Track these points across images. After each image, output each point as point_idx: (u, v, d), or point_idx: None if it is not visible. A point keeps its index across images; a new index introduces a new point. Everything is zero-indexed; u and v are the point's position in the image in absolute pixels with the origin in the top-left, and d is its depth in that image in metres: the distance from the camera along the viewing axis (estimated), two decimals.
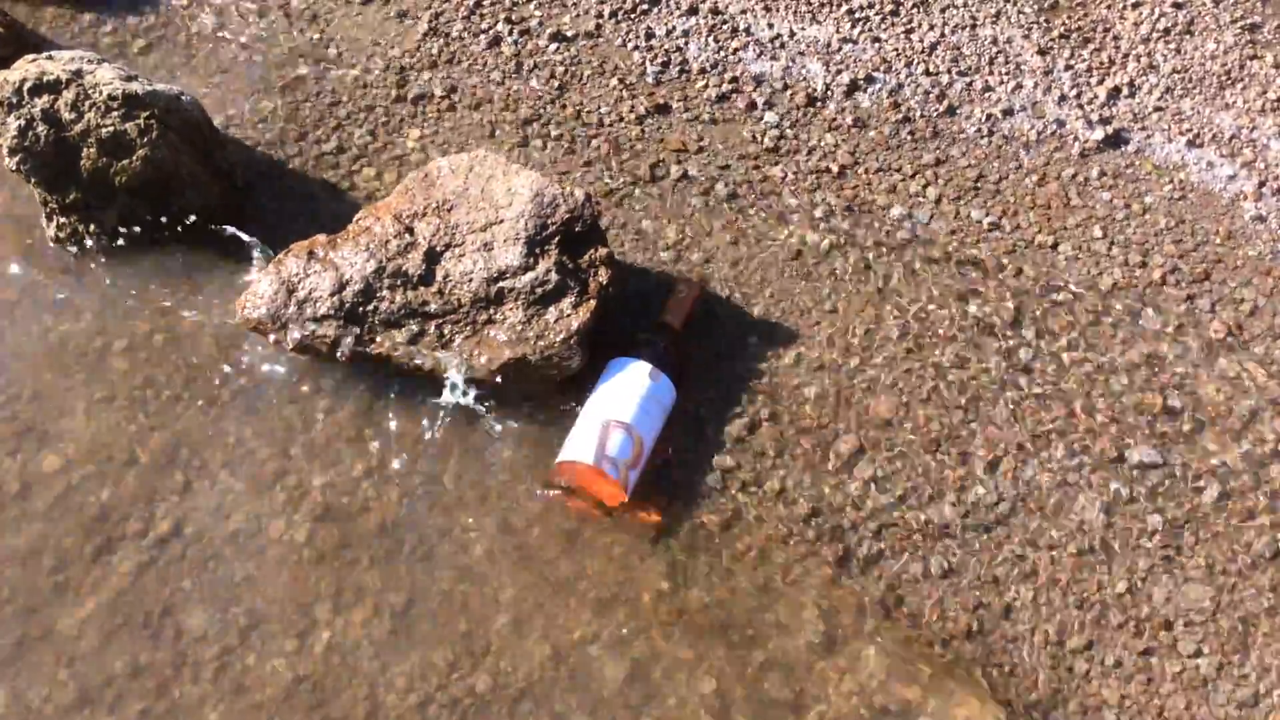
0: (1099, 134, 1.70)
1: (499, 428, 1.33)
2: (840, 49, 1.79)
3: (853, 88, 1.74)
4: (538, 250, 1.32)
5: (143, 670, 1.16)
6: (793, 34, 1.80)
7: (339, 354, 1.29)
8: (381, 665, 1.17)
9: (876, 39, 1.80)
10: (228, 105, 1.63)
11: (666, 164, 1.62)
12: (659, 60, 1.75)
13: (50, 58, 1.41)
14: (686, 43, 1.78)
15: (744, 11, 1.82)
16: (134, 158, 1.38)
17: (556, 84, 1.71)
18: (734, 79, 1.73)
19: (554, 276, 1.31)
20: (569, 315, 1.30)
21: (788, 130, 1.67)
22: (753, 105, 1.70)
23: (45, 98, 1.36)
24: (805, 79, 1.74)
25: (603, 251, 1.36)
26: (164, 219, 1.44)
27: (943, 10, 1.85)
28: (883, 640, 1.22)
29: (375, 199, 1.52)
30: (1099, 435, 1.38)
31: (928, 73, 1.76)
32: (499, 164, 1.38)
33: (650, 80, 1.73)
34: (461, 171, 1.38)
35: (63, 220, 1.43)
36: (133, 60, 1.68)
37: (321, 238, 1.35)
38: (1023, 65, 1.78)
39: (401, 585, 1.23)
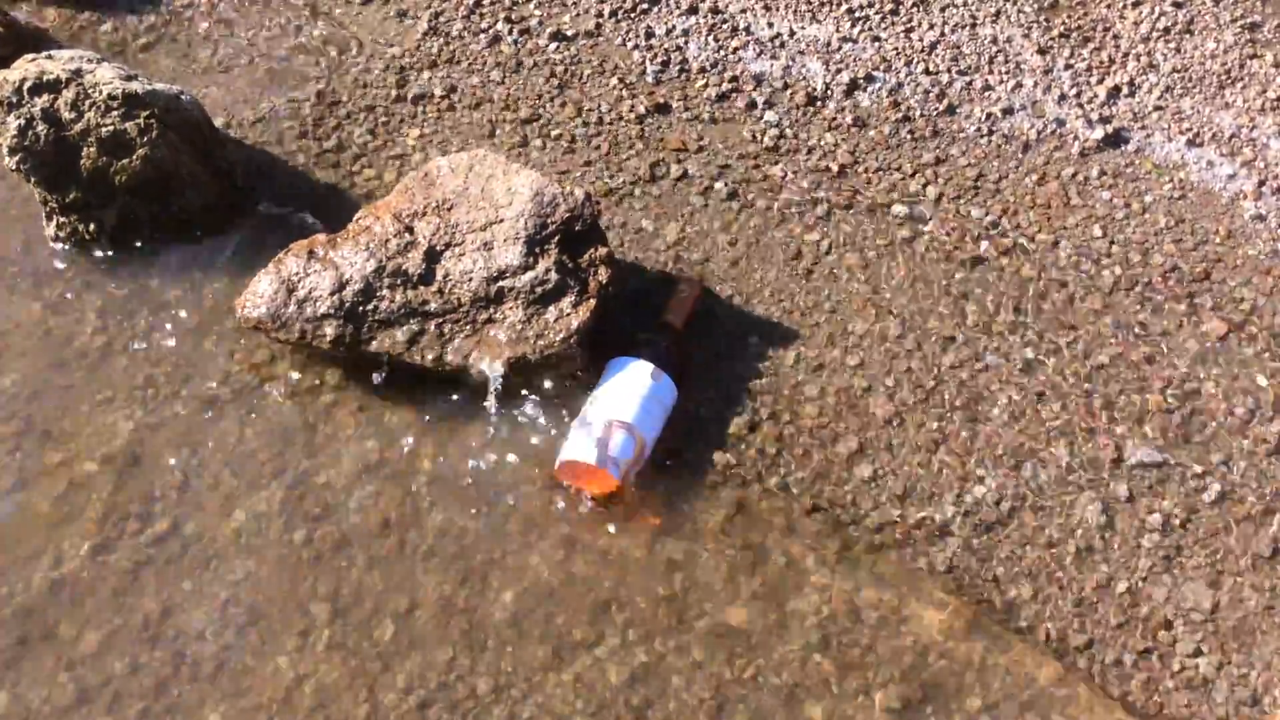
0: (1099, 133, 1.70)
1: (500, 428, 1.33)
2: (840, 48, 1.79)
3: (853, 87, 1.74)
4: (537, 249, 1.32)
5: (142, 670, 1.16)
6: (792, 33, 1.80)
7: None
8: (382, 665, 1.17)
9: (876, 38, 1.80)
10: (228, 105, 1.63)
11: (666, 163, 1.62)
12: (659, 59, 1.75)
13: (50, 57, 1.41)
14: (686, 42, 1.78)
15: (744, 11, 1.82)
16: (134, 157, 1.38)
17: (556, 83, 1.71)
18: (734, 78, 1.73)
19: (554, 276, 1.31)
20: (569, 314, 1.30)
21: (788, 129, 1.67)
22: (752, 104, 1.70)
23: (45, 97, 1.36)
24: (805, 78, 1.74)
25: (603, 251, 1.36)
26: (164, 218, 1.44)
27: (942, 9, 1.85)
28: None
29: (375, 198, 1.52)
30: (1099, 435, 1.38)
31: (927, 72, 1.76)
32: (499, 163, 1.38)
33: (650, 79, 1.73)
34: (461, 171, 1.38)
35: (63, 219, 1.43)
36: (133, 60, 1.68)
37: (321, 237, 1.35)
38: (1023, 64, 1.78)
39: (402, 585, 1.23)
